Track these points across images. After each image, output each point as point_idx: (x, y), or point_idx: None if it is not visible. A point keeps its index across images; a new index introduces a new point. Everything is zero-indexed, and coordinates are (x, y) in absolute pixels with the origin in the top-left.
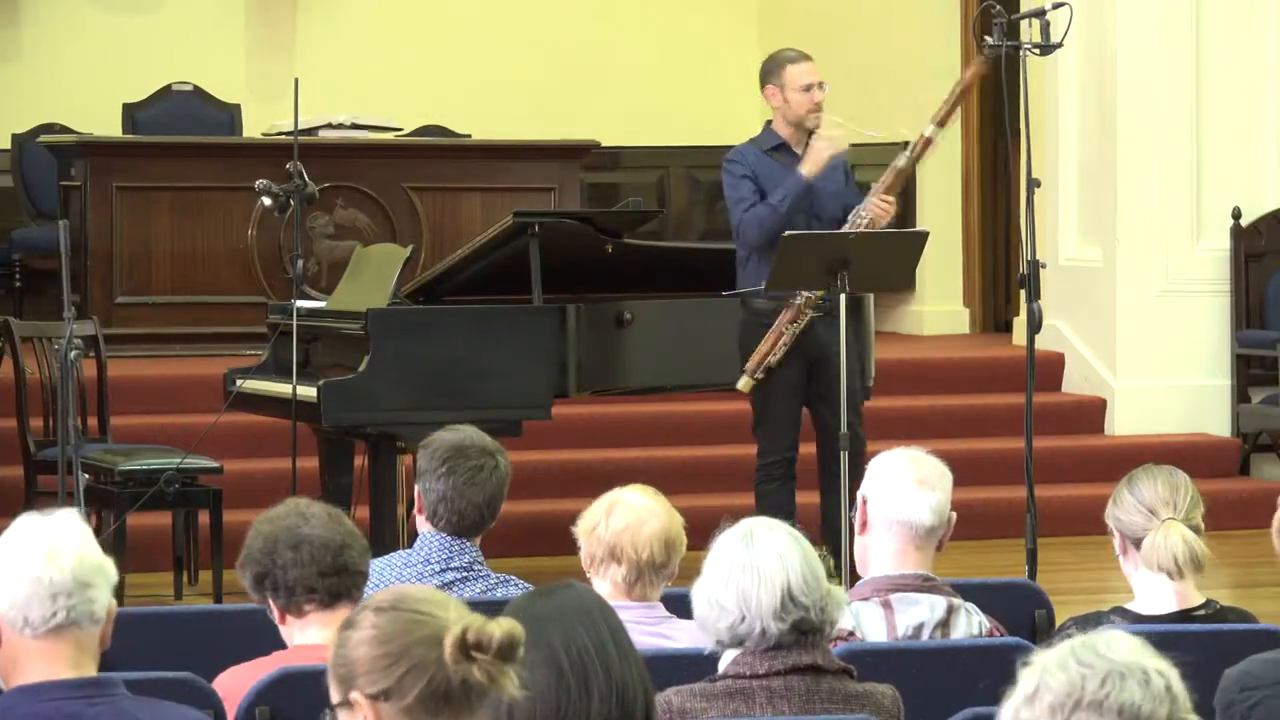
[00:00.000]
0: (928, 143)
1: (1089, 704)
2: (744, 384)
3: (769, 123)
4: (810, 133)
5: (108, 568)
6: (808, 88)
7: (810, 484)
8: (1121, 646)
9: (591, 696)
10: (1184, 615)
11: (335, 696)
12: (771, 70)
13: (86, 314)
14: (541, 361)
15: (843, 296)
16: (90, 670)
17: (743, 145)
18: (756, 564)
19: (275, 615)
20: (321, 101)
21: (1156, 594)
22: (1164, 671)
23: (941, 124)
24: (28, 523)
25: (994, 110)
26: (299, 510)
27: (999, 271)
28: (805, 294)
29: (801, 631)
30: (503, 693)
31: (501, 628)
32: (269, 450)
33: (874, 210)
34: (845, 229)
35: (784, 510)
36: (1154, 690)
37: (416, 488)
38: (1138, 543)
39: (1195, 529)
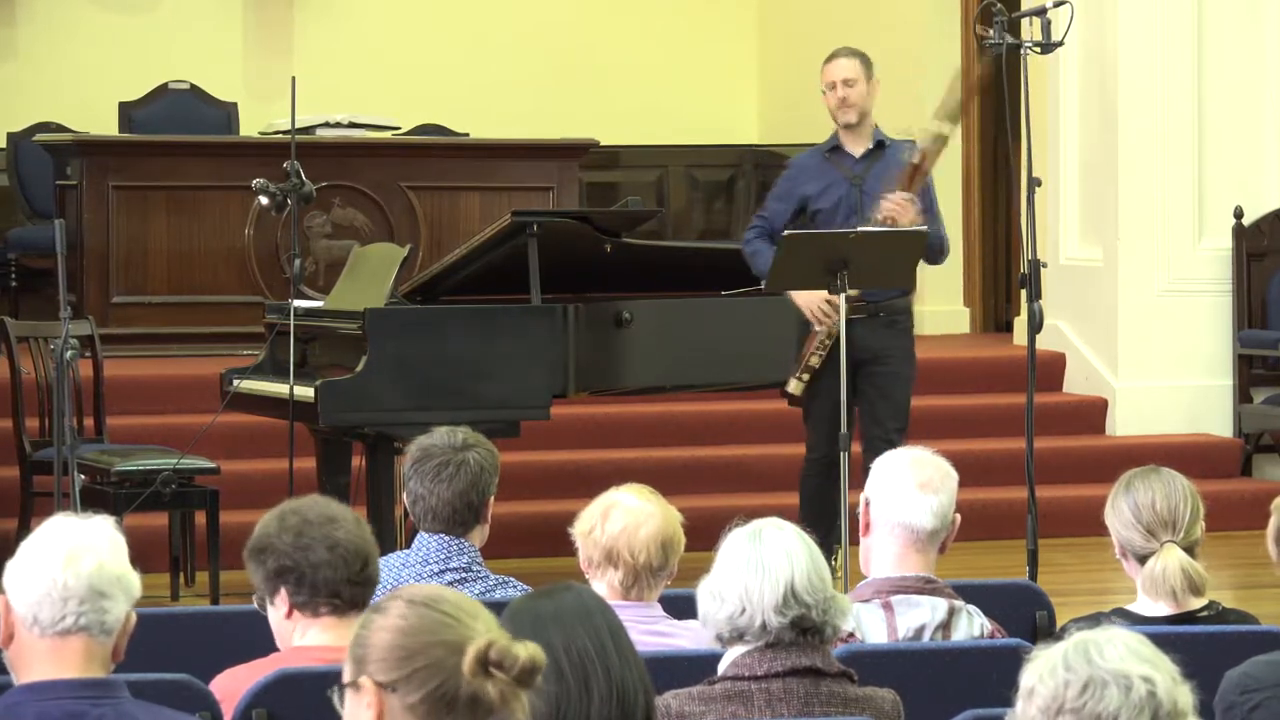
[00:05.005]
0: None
1: (1069, 710)
2: (793, 386)
3: None
4: (879, 139)
5: (129, 581)
6: (831, 86)
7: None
8: (1114, 651)
9: (591, 697)
10: (1185, 617)
11: (347, 676)
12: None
13: (82, 314)
14: (540, 361)
15: (842, 297)
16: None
17: (808, 151)
18: (763, 559)
19: (280, 610)
20: (319, 100)
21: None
22: (1150, 678)
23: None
24: (60, 523)
25: (995, 109)
26: (329, 512)
27: (999, 271)
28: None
29: (801, 630)
30: (511, 716)
31: (527, 651)
32: (266, 451)
33: (886, 208)
34: (861, 229)
35: (823, 507)
36: (1134, 699)
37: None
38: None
39: (1195, 545)
